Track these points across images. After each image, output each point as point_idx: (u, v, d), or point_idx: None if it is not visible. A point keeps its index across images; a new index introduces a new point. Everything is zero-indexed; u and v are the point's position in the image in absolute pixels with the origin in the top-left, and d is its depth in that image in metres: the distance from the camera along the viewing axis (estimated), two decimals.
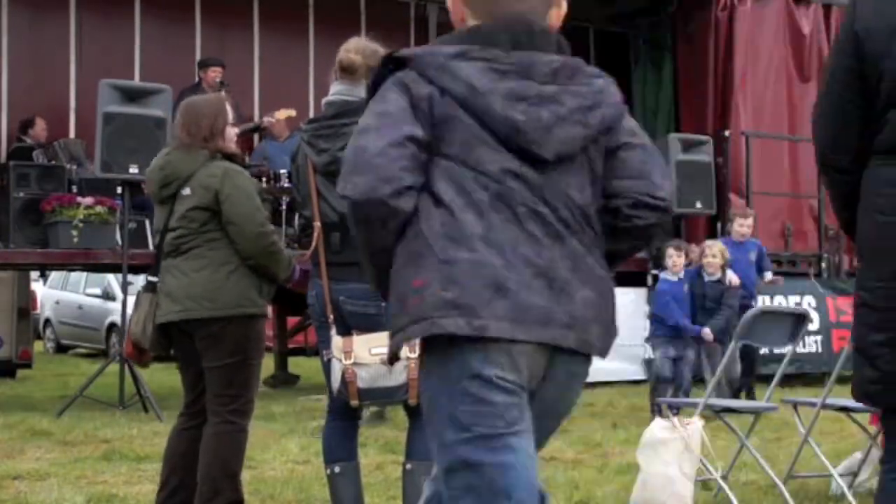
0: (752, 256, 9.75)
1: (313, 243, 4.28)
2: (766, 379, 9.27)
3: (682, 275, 8.87)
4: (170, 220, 4.52)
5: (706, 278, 8.91)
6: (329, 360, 4.23)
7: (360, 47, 4.32)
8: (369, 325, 4.19)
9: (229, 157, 4.58)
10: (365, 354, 4.13)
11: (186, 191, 4.48)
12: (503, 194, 2.44)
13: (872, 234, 2.85)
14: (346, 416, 4.40)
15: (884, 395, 2.87)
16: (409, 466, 4.32)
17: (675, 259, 8.88)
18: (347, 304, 4.22)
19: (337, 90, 4.32)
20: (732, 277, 8.96)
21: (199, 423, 4.57)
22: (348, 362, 4.12)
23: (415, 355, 4.12)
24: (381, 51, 4.36)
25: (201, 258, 4.46)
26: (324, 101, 4.39)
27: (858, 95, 2.85)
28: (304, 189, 4.41)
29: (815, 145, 3.02)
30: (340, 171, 4.18)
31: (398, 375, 4.14)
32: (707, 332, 8.63)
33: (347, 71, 4.28)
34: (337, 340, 4.18)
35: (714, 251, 8.97)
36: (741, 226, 9.87)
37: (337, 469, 4.37)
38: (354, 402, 4.17)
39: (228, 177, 4.46)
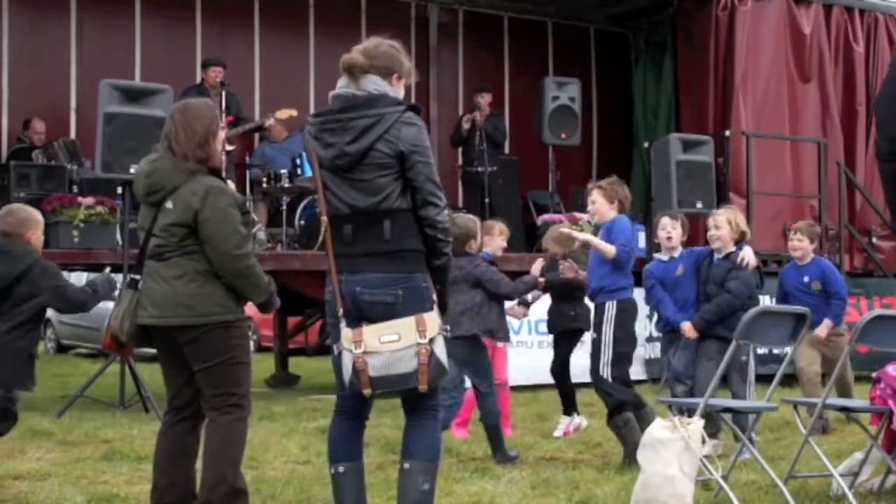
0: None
1: (320, 237, 4.26)
2: (767, 379, 9.27)
3: (676, 254, 7.35)
4: (153, 225, 4.56)
5: (715, 256, 7.19)
6: (339, 353, 4.18)
7: (368, 48, 4.31)
8: (386, 313, 4.15)
9: (214, 171, 4.58)
10: (375, 343, 4.09)
11: (169, 204, 4.51)
12: None
13: None
14: (353, 415, 4.38)
15: None
16: (406, 466, 4.28)
17: (668, 231, 7.37)
18: (364, 294, 4.18)
19: (343, 84, 4.30)
20: (746, 255, 7.04)
21: (182, 420, 4.63)
22: (358, 351, 4.09)
23: (425, 341, 4.11)
24: (394, 52, 4.33)
25: (178, 266, 4.50)
26: (331, 94, 4.36)
27: None
28: (314, 182, 4.37)
29: (879, 137, 2.91)
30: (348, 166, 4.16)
31: (409, 362, 4.10)
32: (686, 327, 7.07)
33: (349, 72, 4.27)
34: (346, 332, 4.14)
35: (718, 220, 7.15)
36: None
37: (341, 469, 4.34)
38: (367, 391, 4.11)
39: (210, 196, 4.46)
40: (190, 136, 4.52)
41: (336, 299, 4.21)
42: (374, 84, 4.25)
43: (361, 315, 4.19)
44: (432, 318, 4.16)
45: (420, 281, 4.22)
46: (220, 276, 4.49)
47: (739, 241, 7.15)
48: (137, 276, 4.62)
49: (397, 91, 4.32)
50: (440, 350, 4.14)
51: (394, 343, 4.09)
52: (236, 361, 4.55)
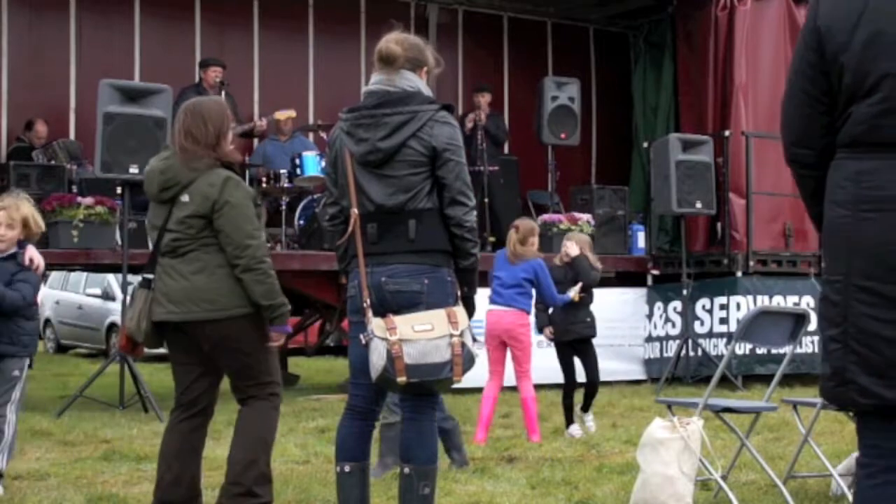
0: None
1: (349, 229, 4.22)
2: (766, 379, 9.28)
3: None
4: (168, 221, 4.57)
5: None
6: (367, 344, 4.11)
7: (400, 39, 4.31)
8: (412, 301, 4.14)
9: (228, 165, 4.63)
10: (409, 332, 4.07)
11: (185, 197, 4.53)
12: None
13: (833, 228, 2.83)
14: (364, 415, 4.36)
15: (835, 393, 2.81)
16: (406, 471, 4.24)
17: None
18: (390, 284, 4.16)
19: (377, 80, 4.28)
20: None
21: (189, 418, 4.66)
22: (394, 338, 4.06)
23: (458, 332, 4.09)
24: (421, 44, 4.35)
25: (198, 261, 4.54)
26: (364, 90, 4.35)
27: (822, 92, 2.85)
28: (341, 178, 4.32)
29: (783, 141, 3.03)
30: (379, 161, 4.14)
31: (443, 352, 4.08)
32: None
33: (386, 61, 4.25)
34: (377, 321, 4.10)
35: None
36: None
37: (347, 468, 4.30)
38: (402, 379, 4.06)
39: (226, 187, 4.52)
40: (201, 134, 4.55)
41: (362, 290, 4.17)
42: (407, 80, 4.24)
43: (386, 307, 4.15)
44: (462, 312, 4.17)
45: (446, 275, 4.22)
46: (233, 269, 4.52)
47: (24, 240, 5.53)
48: (150, 276, 4.61)
49: (425, 84, 4.32)
50: (470, 343, 4.16)
51: (428, 332, 4.07)
52: (261, 354, 4.63)
